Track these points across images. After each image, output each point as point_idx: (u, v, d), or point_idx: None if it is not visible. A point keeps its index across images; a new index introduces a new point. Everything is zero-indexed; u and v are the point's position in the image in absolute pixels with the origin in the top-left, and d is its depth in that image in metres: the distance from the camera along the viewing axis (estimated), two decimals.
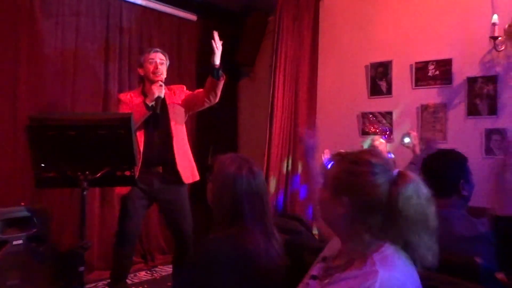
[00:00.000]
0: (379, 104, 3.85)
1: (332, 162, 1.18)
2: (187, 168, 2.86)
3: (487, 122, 3.28)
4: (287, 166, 4.17)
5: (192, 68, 4.41)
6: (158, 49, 2.90)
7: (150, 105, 2.73)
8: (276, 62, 4.24)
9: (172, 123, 2.83)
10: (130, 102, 2.81)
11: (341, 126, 4.02)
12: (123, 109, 2.79)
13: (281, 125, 4.19)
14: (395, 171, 1.11)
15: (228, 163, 1.52)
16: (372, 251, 1.06)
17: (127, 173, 2.24)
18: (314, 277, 1.19)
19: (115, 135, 2.10)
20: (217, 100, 2.85)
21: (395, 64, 3.77)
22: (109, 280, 2.91)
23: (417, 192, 1.07)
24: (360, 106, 3.96)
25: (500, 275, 1.48)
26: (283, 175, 4.16)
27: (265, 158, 4.15)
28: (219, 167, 1.55)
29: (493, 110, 3.27)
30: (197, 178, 2.91)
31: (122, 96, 2.91)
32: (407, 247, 1.07)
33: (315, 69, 4.18)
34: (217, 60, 2.69)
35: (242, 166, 1.50)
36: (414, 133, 3.16)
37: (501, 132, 3.22)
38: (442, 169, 1.96)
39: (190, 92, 2.99)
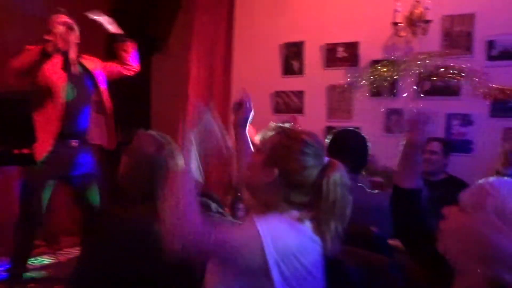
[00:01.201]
0: (291, 83, 3.96)
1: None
2: (103, 138, 2.82)
3: (388, 103, 3.53)
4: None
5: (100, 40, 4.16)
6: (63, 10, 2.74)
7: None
8: (191, 38, 4.16)
9: (92, 91, 2.77)
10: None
11: (255, 104, 4.05)
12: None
13: (195, 103, 4.14)
14: (326, 159, 1.19)
15: (148, 143, 1.49)
16: (280, 212, 1.15)
17: (26, 151, 2.10)
18: None
19: (9, 110, 1.94)
20: (135, 65, 2.85)
21: (307, 44, 3.88)
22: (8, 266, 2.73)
23: (342, 181, 1.16)
24: (274, 85, 4.04)
25: (395, 242, 1.61)
26: None
27: (180, 134, 4.09)
28: (138, 144, 1.51)
29: (393, 92, 3.51)
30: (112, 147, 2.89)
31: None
32: (319, 227, 1.15)
33: (231, 47, 4.17)
34: (111, 29, 2.71)
35: (162, 148, 1.48)
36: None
37: (399, 112, 3.49)
38: (356, 146, 2.10)
39: (106, 62, 2.94)
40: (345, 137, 2.22)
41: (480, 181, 1.05)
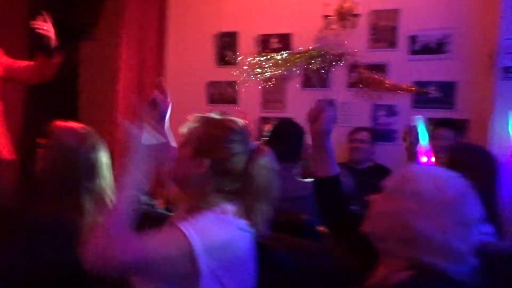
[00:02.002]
0: (226, 74, 3.95)
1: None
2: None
3: (320, 94, 3.63)
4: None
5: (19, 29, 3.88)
6: None
7: None
8: (121, 25, 4.00)
9: None
10: None
11: (189, 94, 4.01)
12: None
13: (127, 92, 4.01)
14: (253, 144, 1.21)
15: (68, 135, 1.41)
16: (208, 208, 1.14)
17: None
18: None
19: None
20: (47, 79, 2.54)
21: (241, 35, 3.88)
22: None
23: (269, 165, 1.19)
24: (208, 75, 4.00)
25: (321, 228, 1.67)
26: None
27: (111, 125, 3.94)
28: (57, 137, 1.43)
29: (324, 83, 3.62)
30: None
31: None
32: (248, 213, 1.17)
33: (163, 35, 4.07)
34: (52, 43, 2.40)
35: (84, 140, 1.41)
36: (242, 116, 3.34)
37: (330, 102, 3.60)
38: (291, 136, 2.14)
39: (11, 59, 2.58)
40: (285, 127, 2.27)
41: (402, 167, 1.11)
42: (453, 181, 1.03)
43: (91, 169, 1.40)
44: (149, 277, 1.07)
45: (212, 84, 3.99)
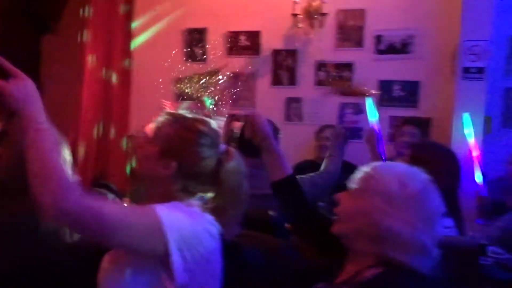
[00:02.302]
0: (194, 70, 3.91)
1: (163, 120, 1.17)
2: None
3: (288, 92, 3.66)
4: (99, 131, 3.95)
5: None
6: None
7: None
8: (86, 19, 3.90)
9: None
10: None
11: (157, 91, 3.96)
12: None
13: (92, 88, 3.91)
14: (222, 147, 1.19)
15: None
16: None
17: None
18: None
19: None
20: None
21: (210, 31, 3.86)
22: None
23: (238, 169, 1.18)
24: (176, 72, 3.95)
25: (287, 226, 1.69)
26: (94, 141, 3.93)
27: (75, 122, 3.84)
28: (17, 134, 1.37)
29: (293, 81, 3.65)
30: None
31: None
32: (217, 215, 1.15)
33: (130, 31, 4.00)
34: None
35: None
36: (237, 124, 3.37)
37: (298, 100, 3.64)
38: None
39: None
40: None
41: (366, 166, 1.12)
42: (415, 176, 1.06)
43: None
44: (114, 240, 1.01)
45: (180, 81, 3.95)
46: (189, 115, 1.20)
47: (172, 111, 1.22)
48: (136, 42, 4.04)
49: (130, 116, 4.05)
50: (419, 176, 1.06)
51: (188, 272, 1.04)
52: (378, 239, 1.01)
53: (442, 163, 1.89)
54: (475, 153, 2.54)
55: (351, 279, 1.05)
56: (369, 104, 2.51)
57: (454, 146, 2.86)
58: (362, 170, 1.11)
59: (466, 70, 2.94)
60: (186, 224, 1.06)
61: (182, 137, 1.14)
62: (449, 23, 3.17)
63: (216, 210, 1.15)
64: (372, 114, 2.54)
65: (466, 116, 2.66)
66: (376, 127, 2.57)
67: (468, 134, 2.62)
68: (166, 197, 1.13)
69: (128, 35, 4.00)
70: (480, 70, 2.90)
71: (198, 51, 3.91)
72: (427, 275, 1.00)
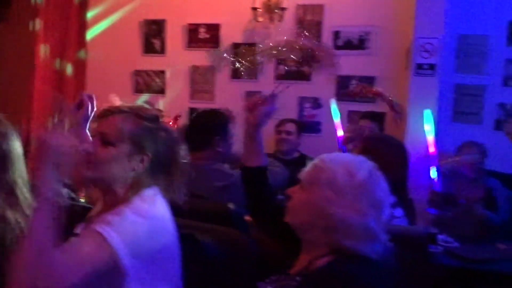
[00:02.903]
0: (152, 63, 3.85)
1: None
2: None
3: (248, 85, 3.66)
4: (52, 123, 3.81)
5: None
6: None
7: None
8: (38, 8, 3.73)
9: None
10: None
11: (114, 83, 3.86)
12: None
13: (45, 80, 3.76)
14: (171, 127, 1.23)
15: None
16: (136, 195, 1.13)
17: None
18: (76, 235, 1.16)
19: None
20: None
21: (168, 23, 3.80)
22: None
23: (182, 146, 1.21)
24: (134, 64, 3.88)
25: (247, 218, 1.70)
26: None
27: (27, 114, 3.68)
28: None
29: (253, 75, 3.66)
30: None
31: None
32: (167, 192, 1.17)
33: (85, 22, 3.87)
34: None
35: None
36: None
37: (258, 94, 3.64)
38: (200, 125, 2.13)
39: None
40: (206, 116, 2.26)
41: (315, 158, 1.15)
42: (362, 165, 1.08)
43: (3, 160, 1.30)
44: None
45: (138, 73, 3.88)
46: (143, 106, 1.21)
47: (126, 105, 1.19)
48: (92, 33, 3.92)
49: None
50: (365, 164, 1.09)
51: (145, 271, 1.05)
52: (330, 229, 1.04)
53: (393, 155, 1.96)
54: (432, 149, 2.62)
55: (304, 269, 1.07)
56: (333, 106, 2.58)
57: (407, 139, 2.97)
58: (313, 162, 1.13)
59: (419, 66, 3.04)
60: (142, 227, 1.06)
61: (149, 128, 1.15)
62: (403, 20, 3.27)
63: (165, 188, 1.17)
64: (336, 115, 2.59)
65: (427, 112, 2.75)
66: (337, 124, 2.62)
67: (428, 130, 2.68)
68: (130, 192, 1.12)
69: (83, 25, 3.88)
70: (432, 67, 3.02)
71: (157, 43, 3.84)
72: (377, 260, 1.03)
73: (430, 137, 2.53)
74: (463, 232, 2.34)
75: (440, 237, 2.24)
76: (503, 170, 3.00)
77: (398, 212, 1.85)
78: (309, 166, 1.13)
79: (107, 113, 1.18)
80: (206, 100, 3.70)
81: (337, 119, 2.63)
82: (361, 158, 1.12)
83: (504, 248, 2.16)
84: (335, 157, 1.13)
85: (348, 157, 1.14)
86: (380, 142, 2.11)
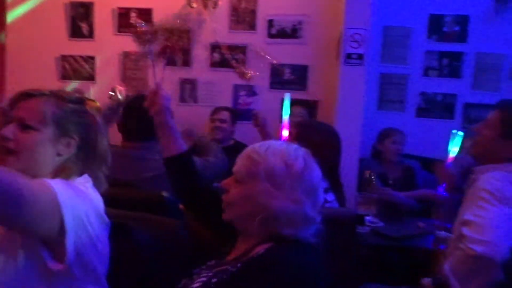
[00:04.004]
0: (80, 48, 3.67)
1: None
2: None
3: (182, 73, 3.61)
4: None
5: None
6: None
7: None
8: None
9: None
10: None
11: (37, 69, 3.64)
12: None
13: None
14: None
15: None
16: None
17: None
18: None
19: None
20: None
21: (97, 6, 3.63)
22: None
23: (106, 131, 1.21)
24: (59, 49, 3.67)
25: (181, 206, 1.70)
26: None
27: None
28: None
29: (187, 62, 3.61)
30: None
31: None
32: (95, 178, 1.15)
33: (5, 3, 3.59)
34: None
35: None
36: (120, 88, 3.20)
37: (192, 82, 3.62)
38: (136, 114, 2.08)
39: None
40: (139, 103, 2.20)
41: (247, 150, 1.14)
42: (297, 154, 1.10)
43: None
44: (17, 218, 0.93)
45: (64, 59, 3.68)
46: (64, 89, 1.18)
47: (48, 91, 1.14)
48: (12, 15, 3.65)
49: (6, 95, 3.67)
50: (300, 152, 1.11)
51: (76, 252, 1.01)
52: (269, 220, 1.05)
53: (325, 140, 2.03)
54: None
55: (242, 256, 1.08)
56: (286, 101, 2.52)
57: (338, 126, 3.09)
58: (247, 155, 1.12)
59: (348, 56, 3.16)
60: (78, 202, 1.02)
61: (76, 111, 1.13)
62: (334, 11, 3.37)
63: (92, 174, 1.14)
64: (286, 110, 2.53)
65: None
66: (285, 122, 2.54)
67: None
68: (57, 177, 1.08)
69: (3, 7, 3.60)
70: (360, 56, 3.15)
71: (85, 26, 3.66)
72: (312, 243, 1.07)
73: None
74: (387, 212, 2.50)
75: (367, 218, 2.38)
76: (423, 154, 3.23)
77: (330, 196, 1.94)
78: (242, 158, 1.13)
79: (25, 96, 1.12)
80: (138, 88, 3.59)
81: (286, 116, 2.46)
82: (295, 146, 1.14)
83: (423, 226, 2.34)
84: (269, 147, 1.12)
85: (281, 146, 1.13)
86: (312, 128, 2.17)
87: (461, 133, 2.28)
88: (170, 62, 3.60)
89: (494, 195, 1.51)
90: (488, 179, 1.57)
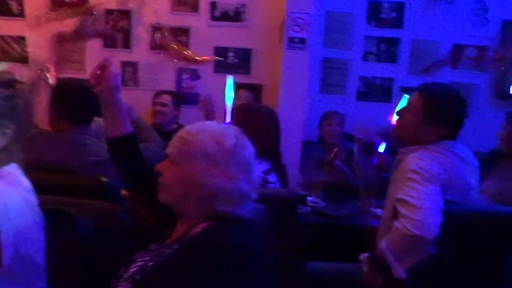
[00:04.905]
0: (10, 27, 3.44)
1: None
2: None
3: (122, 55, 3.49)
4: None
5: None
6: None
7: None
8: None
9: None
10: None
11: None
12: None
13: None
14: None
15: None
16: None
17: None
18: None
19: None
20: None
21: None
22: None
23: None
24: None
25: (124, 192, 1.66)
26: None
27: None
28: None
29: (127, 44, 3.49)
30: None
31: None
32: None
33: None
34: None
35: None
36: (50, 70, 3.06)
37: (134, 65, 3.51)
38: (82, 99, 1.99)
39: None
40: (69, 87, 2.11)
41: (179, 131, 1.14)
42: (228, 132, 1.12)
43: None
44: None
45: None
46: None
47: None
48: None
49: None
50: (231, 131, 1.13)
51: (15, 249, 0.97)
52: (206, 198, 1.06)
53: (265, 123, 2.06)
54: None
55: (181, 237, 1.08)
56: (229, 83, 2.47)
57: (282, 110, 3.13)
58: (179, 136, 1.12)
59: (291, 40, 3.20)
60: (3, 196, 0.97)
61: (9, 96, 1.08)
62: None
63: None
64: (230, 94, 2.48)
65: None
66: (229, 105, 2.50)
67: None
68: None
69: None
70: (302, 41, 3.19)
71: (14, 4, 3.42)
72: (251, 220, 1.09)
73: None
74: (329, 193, 2.59)
75: (309, 198, 2.45)
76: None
77: (272, 178, 1.97)
78: (175, 139, 1.12)
79: None
80: (75, 70, 3.44)
81: (229, 99, 2.38)
82: (226, 125, 1.16)
83: (362, 205, 2.44)
84: (201, 128, 1.13)
85: (213, 126, 1.15)
86: (252, 112, 2.19)
87: (407, 96, 2.43)
88: (110, 44, 3.48)
89: (422, 174, 1.60)
90: (414, 159, 1.66)
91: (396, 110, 1.90)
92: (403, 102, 2.25)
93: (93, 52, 3.47)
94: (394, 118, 1.97)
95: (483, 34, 3.54)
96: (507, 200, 2.09)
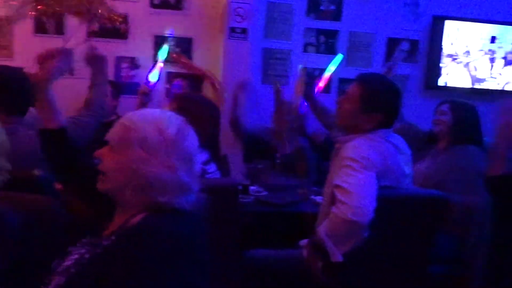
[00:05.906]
0: None
1: None
2: None
3: (55, 42, 3.30)
4: None
5: None
6: None
7: None
8: None
9: None
10: None
11: None
12: None
13: None
14: None
15: None
16: None
17: None
18: None
19: None
20: None
21: None
22: None
23: None
24: None
25: (58, 186, 1.60)
26: None
27: None
28: None
29: (60, 30, 3.32)
30: None
31: None
32: None
33: None
34: None
35: None
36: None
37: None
38: (17, 88, 1.89)
39: None
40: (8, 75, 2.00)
41: (121, 118, 1.12)
42: (171, 120, 1.10)
43: None
44: None
45: None
46: None
47: None
48: None
49: None
50: (174, 119, 1.11)
51: None
52: (144, 188, 1.04)
53: (204, 113, 2.05)
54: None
55: (118, 229, 1.06)
56: (164, 50, 2.55)
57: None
58: (120, 122, 1.10)
59: (232, 30, 3.19)
60: None
61: None
62: None
63: None
64: (154, 75, 2.53)
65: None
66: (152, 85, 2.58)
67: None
68: None
69: None
70: (243, 31, 3.20)
71: None
72: (190, 210, 1.08)
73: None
74: (271, 182, 2.63)
75: (251, 188, 2.48)
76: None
77: (211, 167, 1.97)
78: (116, 126, 1.10)
79: None
80: (3, 57, 3.22)
81: (154, 79, 2.51)
82: (170, 113, 1.13)
83: (303, 192, 2.51)
84: (143, 114, 1.11)
85: (156, 113, 1.12)
86: (191, 101, 2.18)
87: (341, 55, 2.92)
88: (41, 30, 3.29)
89: (359, 162, 1.67)
90: (352, 147, 1.73)
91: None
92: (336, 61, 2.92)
93: (22, 38, 3.27)
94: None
95: (415, 28, 3.73)
96: (435, 182, 2.24)
